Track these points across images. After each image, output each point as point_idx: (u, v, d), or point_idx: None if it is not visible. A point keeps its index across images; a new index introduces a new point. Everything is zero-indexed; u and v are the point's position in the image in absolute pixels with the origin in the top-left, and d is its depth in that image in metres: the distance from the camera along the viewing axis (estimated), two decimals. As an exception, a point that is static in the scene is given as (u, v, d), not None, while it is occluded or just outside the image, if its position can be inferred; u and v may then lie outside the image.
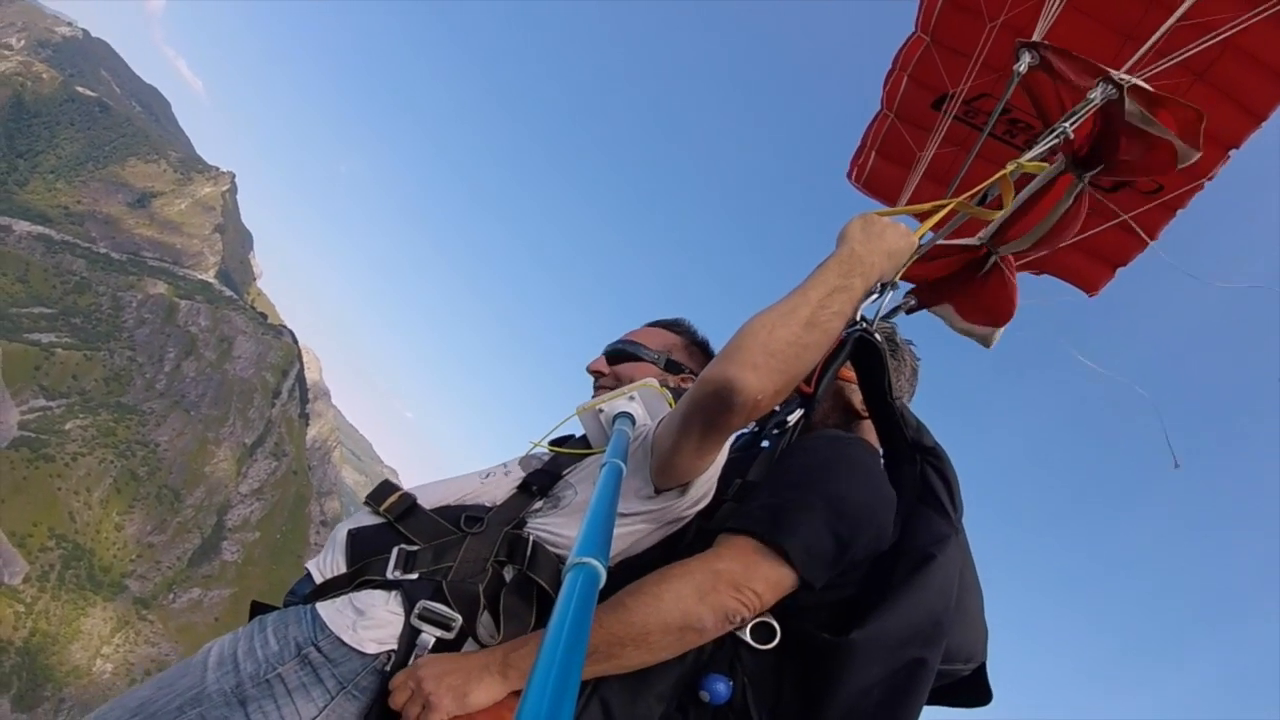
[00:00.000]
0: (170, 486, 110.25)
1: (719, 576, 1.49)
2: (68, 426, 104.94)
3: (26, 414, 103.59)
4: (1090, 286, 3.77)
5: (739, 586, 1.49)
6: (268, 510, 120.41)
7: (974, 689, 1.88)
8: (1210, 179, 3.33)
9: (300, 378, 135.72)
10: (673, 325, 2.33)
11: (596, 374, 2.19)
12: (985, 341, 2.70)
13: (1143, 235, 3.40)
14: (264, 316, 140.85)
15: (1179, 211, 3.44)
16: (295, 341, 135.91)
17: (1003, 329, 2.66)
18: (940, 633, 1.61)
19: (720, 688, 1.53)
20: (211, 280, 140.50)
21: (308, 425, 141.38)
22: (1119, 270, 3.72)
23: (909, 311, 2.61)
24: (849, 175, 4.33)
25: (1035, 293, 3.00)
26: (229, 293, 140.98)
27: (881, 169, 4.13)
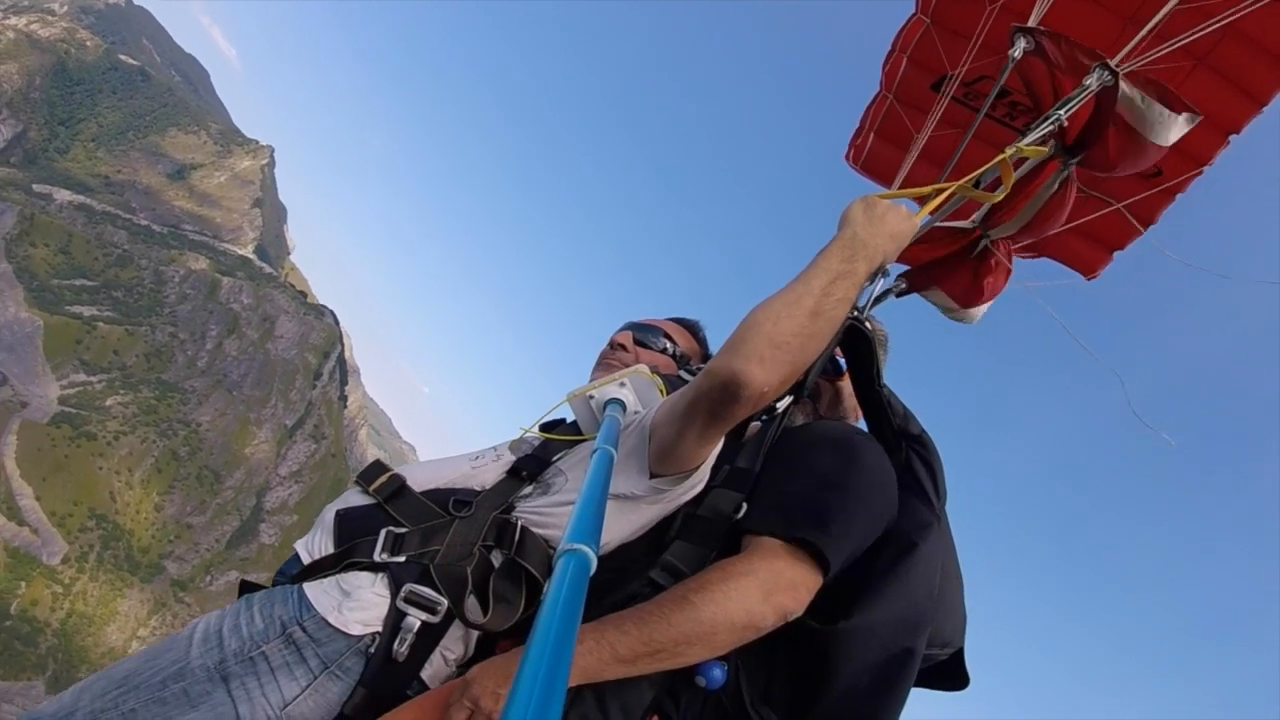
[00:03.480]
0: (211, 467, 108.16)
1: (779, 576, 1.52)
2: (108, 403, 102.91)
3: (66, 388, 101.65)
4: (1088, 269, 3.73)
5: (796, 586, 1.53)
6: (306, 493, 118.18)
7: (952, 673, 1.94)
8: (1210, 165, 3.27)
9: (341, 360, 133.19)
10: (694, 330, 2.42)
11: (619, 346, 2.25)
12: (968, 320, 2.75)
13: (1137, 223, 3.43)
14: (303, 295, 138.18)
15: (1178, 196, 3.39)
16: (337, 322, 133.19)
17: (985, 307, 2.71)
18: (925, 621, 1.67)
19: (716, 673, 1.55)
20: (250, 256, 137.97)
21: (345, 407, 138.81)
22: (1116, 253, 3.72)
23: (899, 295, 2.63)
24: (847, 157, 4.34)
25: (1039, 277, 3.14)
26: (268, 269, 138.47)
27: (880, 151, 4.12)
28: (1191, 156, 3.16)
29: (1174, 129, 2.36)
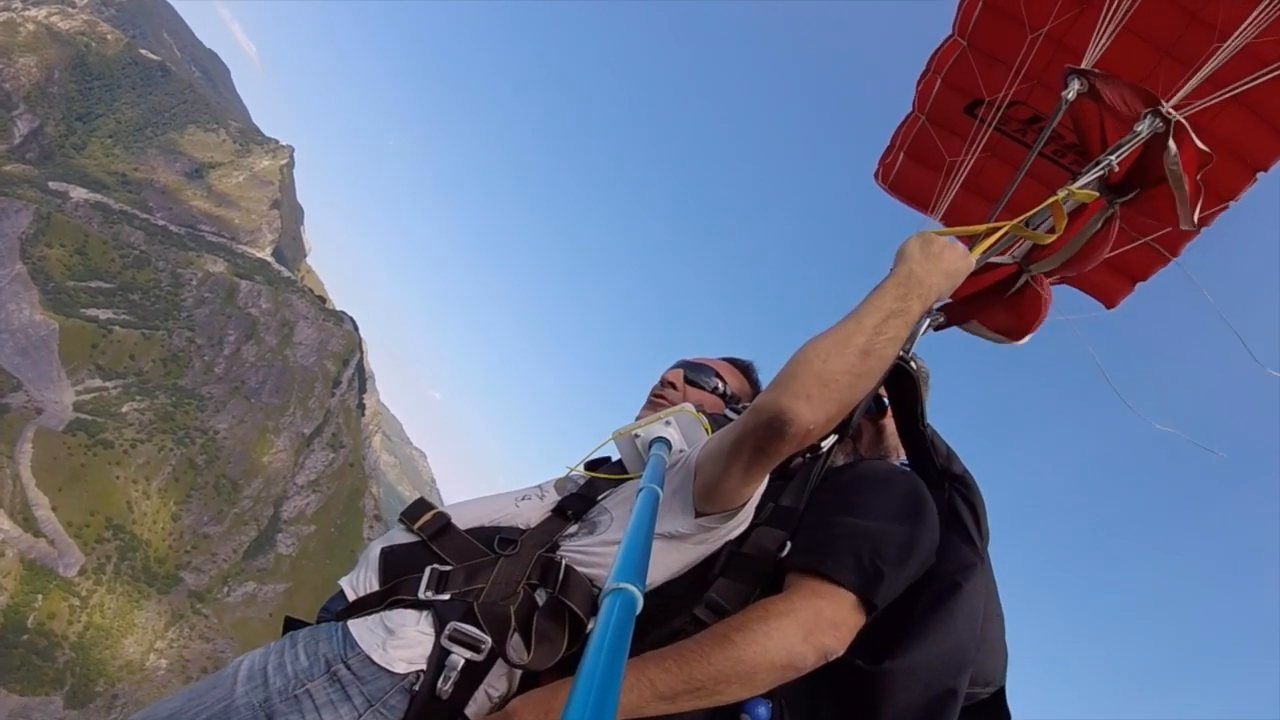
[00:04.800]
0: (228, 476, 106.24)
1: (820, 615, 1.53)
2: (124, 409, 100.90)
3: (82, 394, 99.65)
4: (1109, 300, 3.74)
5: (837, 625, 1.54)
6: (323, 503, 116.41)
7: (993, 711, 1.93)
8: (1236, 200, 3.31)
9: (360, 368, 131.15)
10: (747, 371, 2.42)
11: (669, 385, 2.26)
12: (1012, 342, 2.79)
13: (1164, 253, 3.44)
14: (322, 300, 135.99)
15: (1204, 230, 3.38)
16: (356, 329, 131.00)
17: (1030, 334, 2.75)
18: (968, 661, 1.68)
19: (762, 711, 1.56)
20: (268, 258, 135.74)
21: (363, 415, 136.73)
22: (1139, 285, 3.72)
23: (937, 329, 2.63)
24: (876, 176, 4.31)
25: (1068, 309, 3.16)
26: (286, 272, 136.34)
27: (909, 171, 4.10)
28: (1218, 193, 3.14)
29: (1190, 217, 2.46)
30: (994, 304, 2.60)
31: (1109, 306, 3.74)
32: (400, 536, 1.72)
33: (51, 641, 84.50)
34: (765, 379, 2.43)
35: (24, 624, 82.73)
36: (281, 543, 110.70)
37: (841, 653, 1.53)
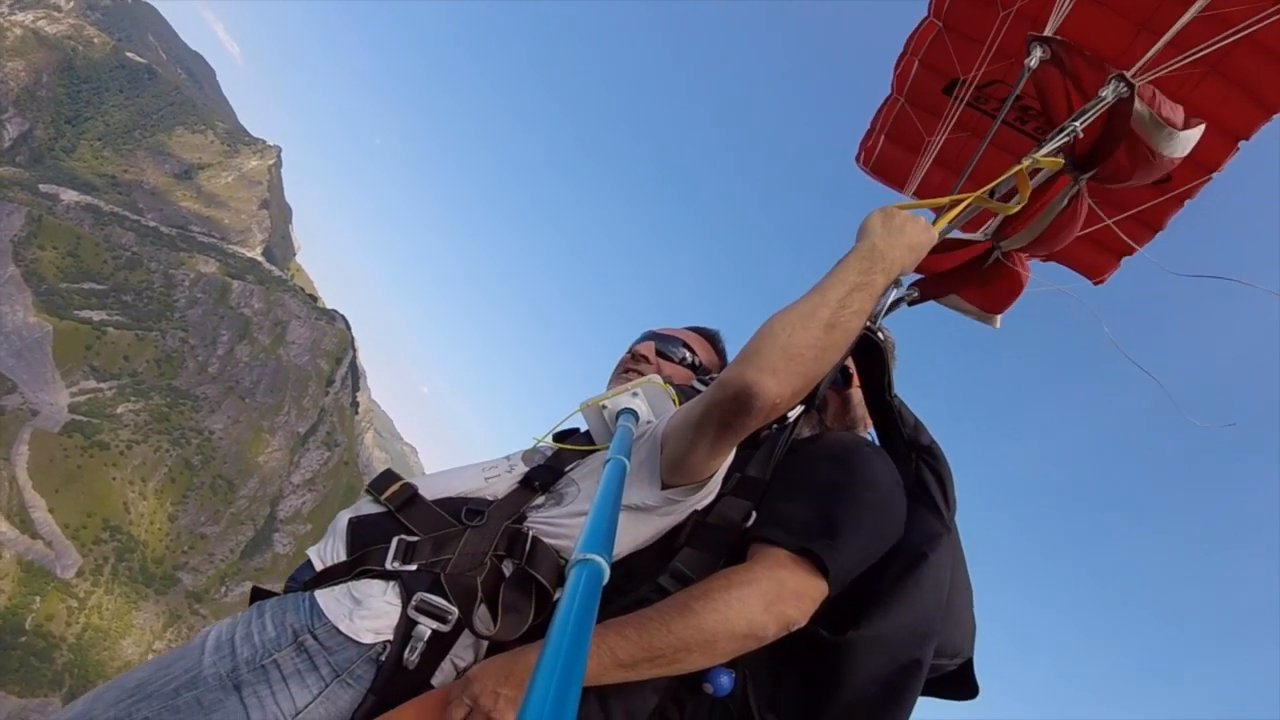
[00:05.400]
0: (224, 476, 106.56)
1: (783, 585, 1.53)
2: (119, 410, 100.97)
3: (76, 396, 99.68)
4: (1095, 274, 3.78)
5: (800, 596, 1.53)
6: (319, 501, 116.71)
7: (961, 683, 1.95)
8: (1220, 171, 3.33)
9: (353, 365, 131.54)
10: (714, 340, 2.43)
11: (641, 358, 2.26)
12: (990, 323, 2.83)
13: (1146, 229, 3.48)
14: (313, 299, 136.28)
15: (1188, 202, 3.44)
16: (348, 327, 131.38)
17: (1005, 311, 2.78)
18: (933, 631, 1.69)
19: (724, 680, 1.57)
20: (259, 258, 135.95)
21: (356, 413, 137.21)
22: (1124, 259, 3.74)
23: (911, 304, 2.63)
24: (857, 159, 4.36)
25: (1060, 281, 3.23)
26: (277, 272, 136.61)
27: (890, 153, 4.14)
28: (1200, 164, 3.15)
29: (1183, 144, 2.42)
30: (969, 280, 2.66)
31: (1095, 282, 3.80)
32: (367, 507, 1.72)
33: (50, 643, 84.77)
34: (733, 350, 2.45)
35: (22, 626, 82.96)
36: (278, 542, 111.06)
37: (804, 623, 1.54)
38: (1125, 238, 3.38)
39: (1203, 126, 2.38)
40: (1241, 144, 3.28)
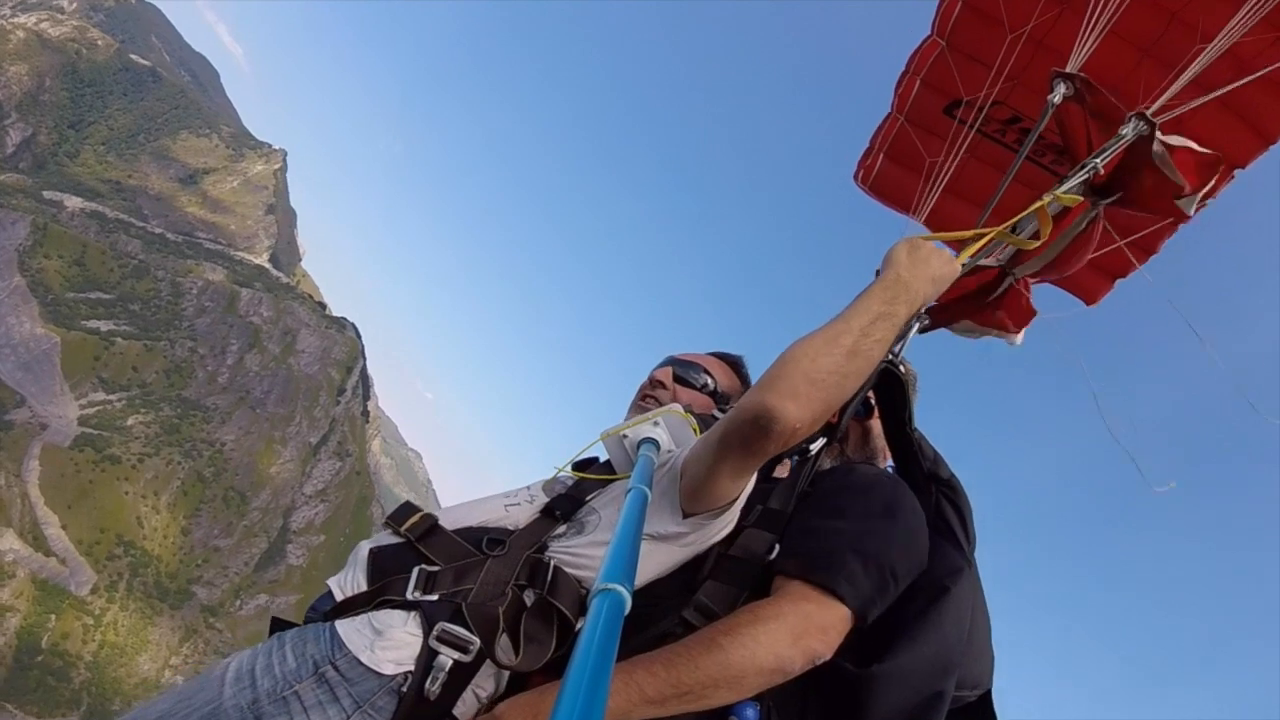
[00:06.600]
0: (236, 488, 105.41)
1: (809, 620, 1.52)
2: (129, 422, 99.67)
3: (86, 408, 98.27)
4: (1089, 297, 3.76)
5: (825, 630, 1.53)
6: (332, 512, 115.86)
7: (980, 715, 1.94)
8: (1214, 196, 3.25)
9: (364, 374, 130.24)
10: (737, 366, 2.39)
11: (658, 384, 2.22)
12: (1010, 340, 2.82)
13: (1141, 252, 3.46)
14: (322, 306, 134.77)
15: (1181, 227, 3.46)
16: (358, 335, 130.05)
17: (1026, 327, 2.79)
18: (955, 664, 1.69)
19: (750, 713, 1.56)
20: (265, 264, 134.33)
21: (367, 422, 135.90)
22: (1118, 281, 3.74)
23: (923, 331, 2.63)
24: (856, 177, 4.31)
25: (1054, 307, 3.22)
26: (284, 279, 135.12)
27: (889, 172, 4.09)
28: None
29: (1189, 205, 2.47)
30: (980, 306, 2.64)
31: (1089, 304, 3.78)
32: (387, 538, 1.71)
33: (66, 661, 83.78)
34: (755, 375, 2.34)
35: (39, 644, 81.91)
36: (291, 554, 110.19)
37: (829, 657, 1.53)
38: (1133, 259, 3.34)
39: (1194, 204, 2.44)
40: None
